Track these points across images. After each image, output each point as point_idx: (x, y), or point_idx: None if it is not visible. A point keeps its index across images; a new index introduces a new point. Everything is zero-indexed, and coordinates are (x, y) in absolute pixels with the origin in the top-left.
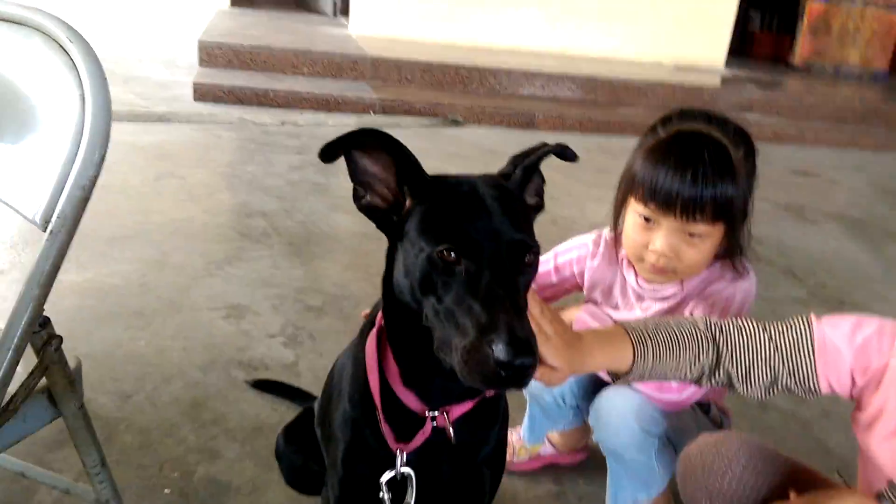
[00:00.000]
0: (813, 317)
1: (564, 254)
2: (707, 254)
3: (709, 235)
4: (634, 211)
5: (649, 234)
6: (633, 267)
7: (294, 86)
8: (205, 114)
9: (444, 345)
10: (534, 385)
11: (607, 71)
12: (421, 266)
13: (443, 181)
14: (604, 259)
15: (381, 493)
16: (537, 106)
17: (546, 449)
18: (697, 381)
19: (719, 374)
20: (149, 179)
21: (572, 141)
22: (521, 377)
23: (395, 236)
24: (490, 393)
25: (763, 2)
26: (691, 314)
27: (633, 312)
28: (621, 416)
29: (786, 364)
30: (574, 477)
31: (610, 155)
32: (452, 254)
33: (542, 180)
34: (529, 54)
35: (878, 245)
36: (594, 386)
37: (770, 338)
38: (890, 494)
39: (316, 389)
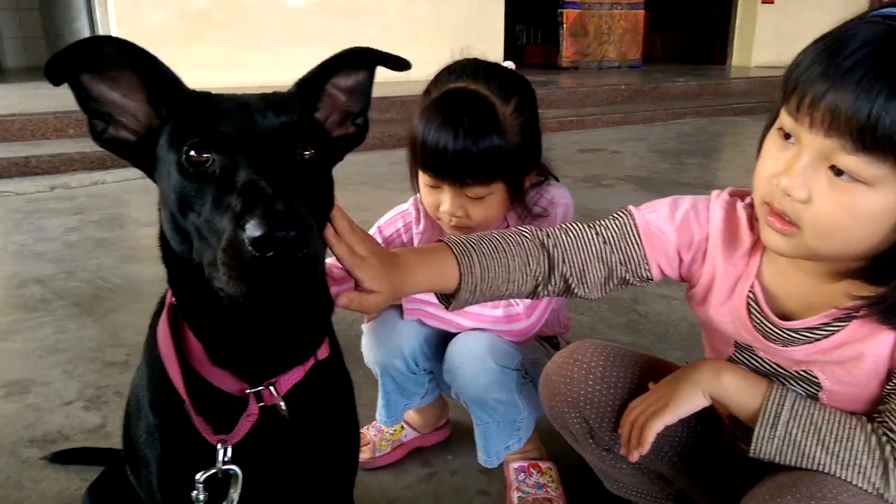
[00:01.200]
0: (631, 207)
1: (388, 225)
2: (496, 209)
3: (490, 194)
4: (421, 175)
5: (438, 196)
6: None
7: (60, 149)
8: None
9: (211, 266)
10: (383, 354)
11: (397, 91)
12: (174, 182)
13: (204, 94)
14: (427, 220)
15: (194, 493)
16: None
17: (407, 433)
18: (532, 293)
19: (554, 280)
20: None
21: (377, 158)
22: (291, 258)
23: (152, 168)
24: (322, 353)
25: (526, 17)
26: None
27: None
28: (475, 356)
29: (616, 254)
30: (442, 454)
31: None
32: (202, 152)
33: (363, 104)
34: None
35: (666, 194)
36: (444, 343)
37: (597, 233)
38: (739, 356)
39: None
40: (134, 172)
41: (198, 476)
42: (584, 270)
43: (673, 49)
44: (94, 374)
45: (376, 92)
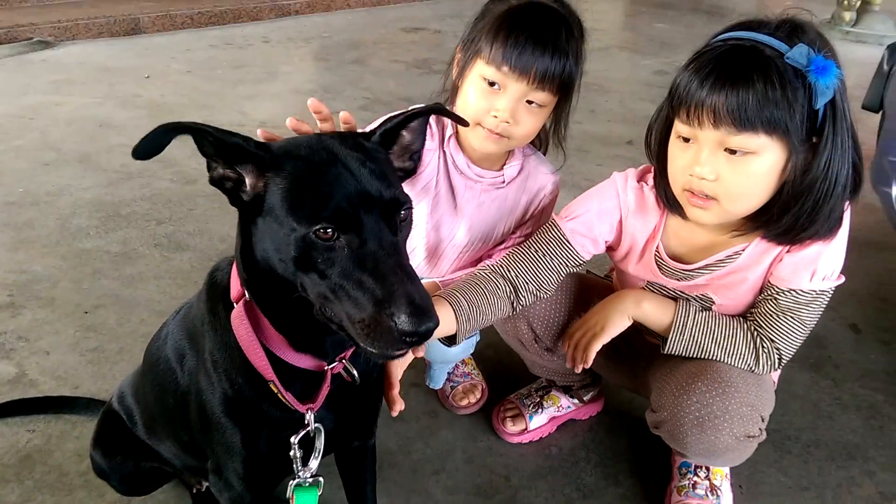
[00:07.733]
0: (554, 217)
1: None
2: (537, 126)
3: (546, 106)
4: (479, 76)
5: (493, 100)
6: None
7: None
8: None
9: (334, 315)
10: None
11: None
12: (296, 246)
13: (294, 149)
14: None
15: (291, 452)
16: (140, 8)
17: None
18: (512, 310)
19: (522, 296)
20: None
21: (188, 39)
22: (424, 340)
23: (251, 211)
24: None
25: None
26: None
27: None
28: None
29: (556, 259)
30: None
31: (236, 47)
32: (329, 231)
33: (422, 142)
34: None
35: None
36: None
37: (537, 249)
38: (650, 288)
39: (62, 391)
40: None
41: (293, 439)
42: (539, 281)
43: None
44: None
45: None
